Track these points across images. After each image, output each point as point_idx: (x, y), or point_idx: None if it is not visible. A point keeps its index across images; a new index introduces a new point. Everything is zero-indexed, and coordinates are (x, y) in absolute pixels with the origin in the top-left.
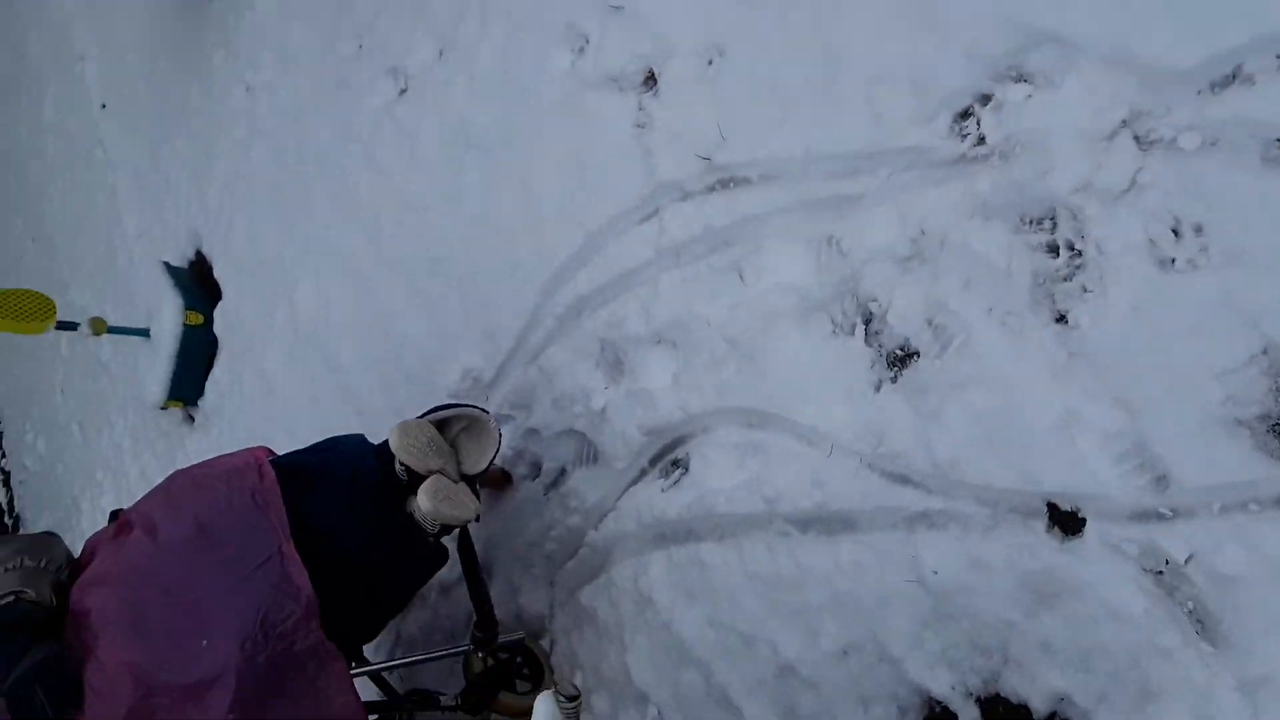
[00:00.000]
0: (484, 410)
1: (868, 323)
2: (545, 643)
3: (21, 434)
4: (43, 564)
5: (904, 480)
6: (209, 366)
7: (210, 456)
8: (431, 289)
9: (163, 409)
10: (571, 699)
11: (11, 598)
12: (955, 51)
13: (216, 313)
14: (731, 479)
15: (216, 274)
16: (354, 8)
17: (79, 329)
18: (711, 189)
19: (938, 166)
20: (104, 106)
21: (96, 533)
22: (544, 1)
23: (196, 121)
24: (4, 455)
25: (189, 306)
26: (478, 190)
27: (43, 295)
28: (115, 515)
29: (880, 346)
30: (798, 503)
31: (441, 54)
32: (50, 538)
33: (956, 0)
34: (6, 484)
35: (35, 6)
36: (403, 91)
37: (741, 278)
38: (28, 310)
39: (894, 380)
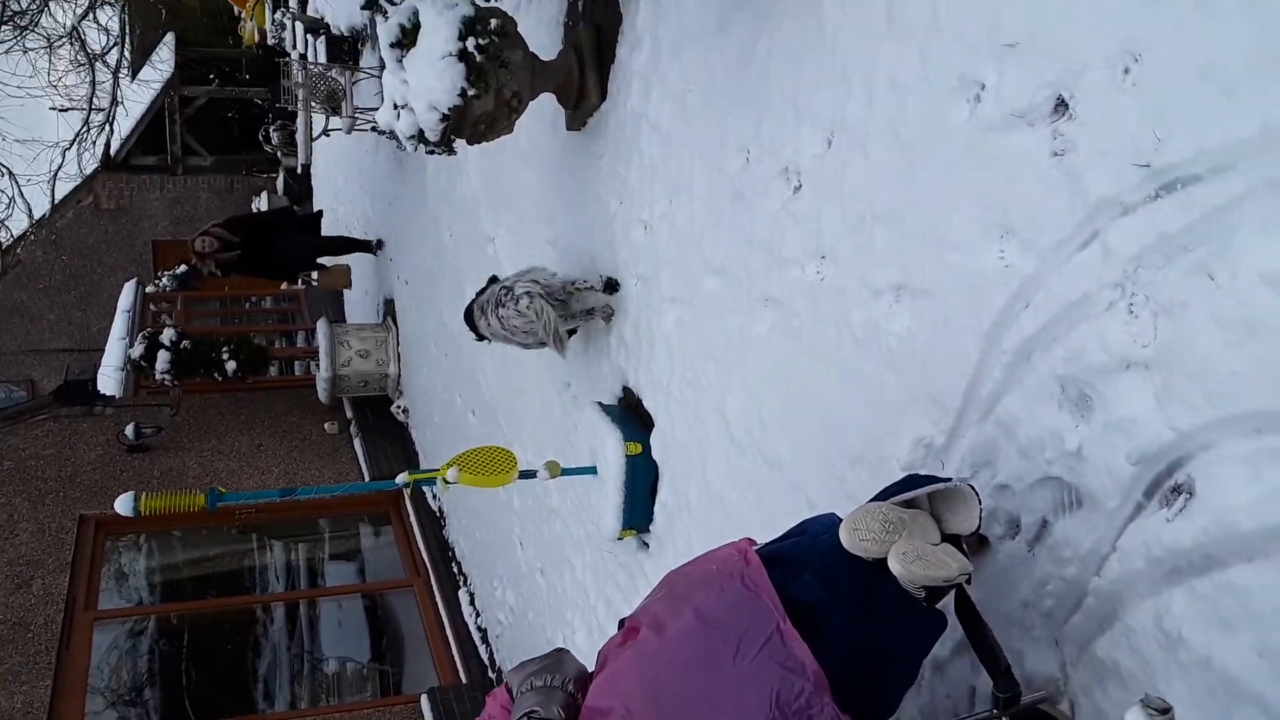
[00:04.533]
0: (944, 480)
1: None
2: (1065, 706)
3: (491, 591)
4: (552, 681)
5: None
6: (654, 492)
7: None
8: (863, 368)
9: (619, 539)
10: (1163, 711)
11: (525, 718)
12: None
13: (653, 439)
14: (1249, 493)
15: (647, 405)
16: (737, 124)
17: (538, 475)
18: (1156, 196)
19: None
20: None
21: (607, 641)
22: (930, 61)
23: (601, 268)
24: (479, 614)
25: (627, 438)
26: (894, 260)
27: (503, 449)
28: (622, 623)
29: None
30: None
31: (830, 142)
32: (561, 654)
33: None
34: (485, 640)
35: (445, 201)
36: (797, 189)
37: (1212, 278)
38: (494, 465)
39: None
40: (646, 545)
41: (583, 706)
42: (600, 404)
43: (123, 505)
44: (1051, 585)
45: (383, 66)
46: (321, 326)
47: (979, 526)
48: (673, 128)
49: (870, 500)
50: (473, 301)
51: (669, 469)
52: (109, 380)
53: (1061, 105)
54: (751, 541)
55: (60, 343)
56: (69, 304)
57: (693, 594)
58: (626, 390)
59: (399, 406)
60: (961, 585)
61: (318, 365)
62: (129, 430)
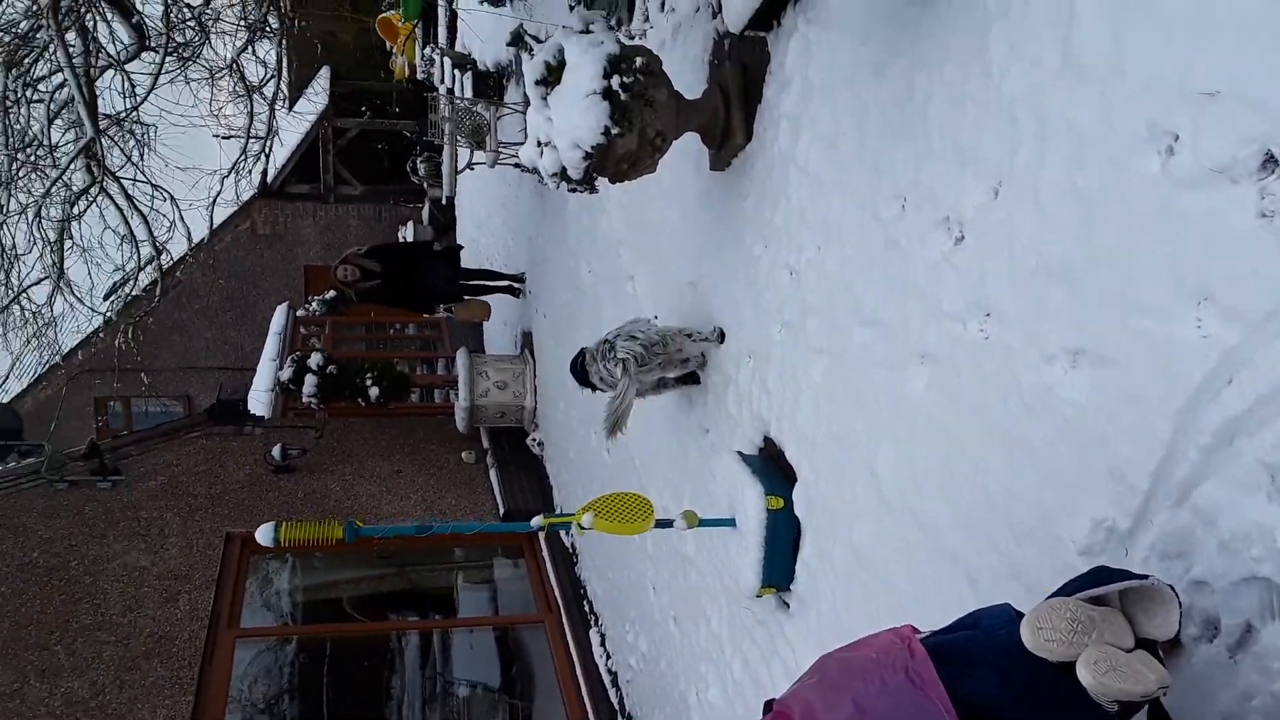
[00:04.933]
0: (1140, 577)
1: None
2: None
3: (623, 634)
4: None
5: None
6: (796, 550)
7: (815, 641)
8: (1031, 435)
9: (758, 596)
10: None
11: None
12: None
13: (795, 494)
14: None
15: (789, 457)
16: (892, 169)
17: (674, 524)
18: None
19: None
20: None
21: None
22: (1114, 107)
23: (744, 312)
24: (609, 657)
25: (769, 492)
26: (1070, 322)
27: (640, 496)
28: (769, 706)
29: None
30: None
31: (998, 192)
32: None
33: None
34: (615, 684)
35: (585, 238)
36: (959, 240)
37: None
38: (631, 512)
39: None
40: (787, 605)
41: None
42: (740, 453)
43: (263, 535)
44: (1258, 699)
45: (527, 103)
46: (461, 356)
47: (1179, 632)
48: (823, 171)
49: (1053, 594)
50: (581, 353)
51: (812, 526)
52: (258, 401)
53: (1271, 161)
54: (914, 629)
55: (215, 361)
56: (225, 324)
57: (851, 683)
58: (768, 440)
59: (534, 439)
60: (1158, 698)
61: (456, 394)
62: (276, 451)
